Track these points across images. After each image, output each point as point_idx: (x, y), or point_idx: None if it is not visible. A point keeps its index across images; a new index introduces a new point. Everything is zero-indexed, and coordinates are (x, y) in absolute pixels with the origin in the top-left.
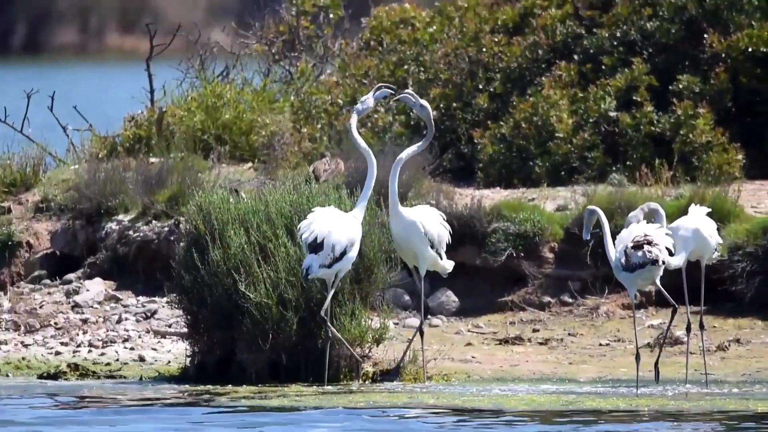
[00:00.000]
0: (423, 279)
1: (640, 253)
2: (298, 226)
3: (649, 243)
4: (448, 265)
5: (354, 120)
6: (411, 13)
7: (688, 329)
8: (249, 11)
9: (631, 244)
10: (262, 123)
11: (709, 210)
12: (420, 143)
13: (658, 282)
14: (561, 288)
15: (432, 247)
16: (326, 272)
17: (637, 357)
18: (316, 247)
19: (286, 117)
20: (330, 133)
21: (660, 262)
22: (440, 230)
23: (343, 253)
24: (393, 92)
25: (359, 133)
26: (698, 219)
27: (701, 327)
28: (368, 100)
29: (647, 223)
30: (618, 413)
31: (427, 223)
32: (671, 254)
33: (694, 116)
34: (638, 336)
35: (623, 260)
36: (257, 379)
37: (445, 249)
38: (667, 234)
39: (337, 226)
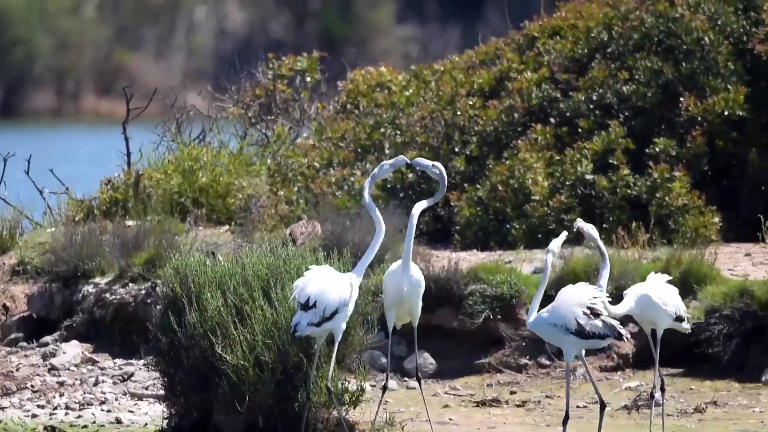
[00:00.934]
0: (416, 331)
1: (600, 323)
2: (293, 284)
3: (601, 312)
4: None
5: (368, 185)
6: (387, 76)
7: (662, 389)
8: (225, 75)
9: (585, 310)
10: (239, 186)
11: (669, 278)
12: (432, 198)
13: (583, 354)
14: (538, 350)
15: None
16: (314, 330)
17: (565, 420)
18: (307, 306)
19: (263, 180)
20: (306, 196)
21: (618, 336)
22: None
23: (334, 313)
24: (408, 163)
25: (361, 195)
26: (653, 286)
27: (654, 396)
28: (385, 167)
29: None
30: None
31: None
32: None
33: (671, 179)
34: (615, 398)
35: (575, 323)
36: None
37: None
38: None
39: (330, 286)
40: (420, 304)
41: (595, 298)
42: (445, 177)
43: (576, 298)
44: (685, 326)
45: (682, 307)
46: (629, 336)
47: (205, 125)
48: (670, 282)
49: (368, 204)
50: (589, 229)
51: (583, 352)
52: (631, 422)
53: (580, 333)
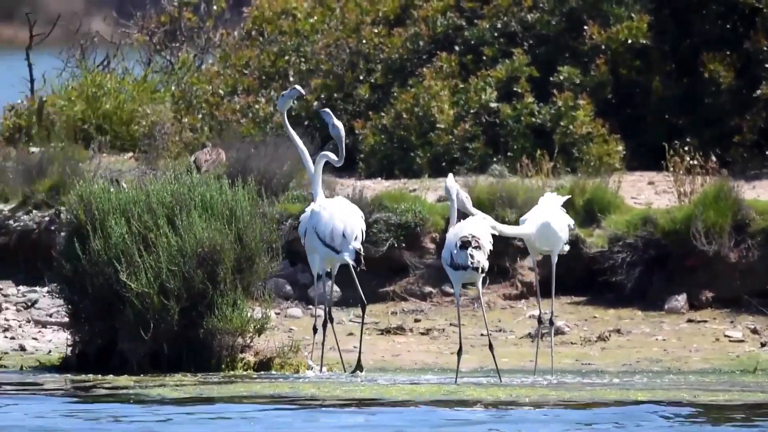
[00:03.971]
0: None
1: (464, 255)
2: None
3: (475, 243)
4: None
5: (283, 118)
6: (292, 3)
7: (551, 322)
8: (130, 0)
9: (459, 242)
10: (143, 113)
11: (565, 198)
12: (336, 160)
13: (479, 285)
14: (442, 278)
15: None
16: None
17: (459, 351)
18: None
19: (167, 107)
20: (211, 124)
21: (480, 270)
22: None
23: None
24: (302, 93)
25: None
26: (548, 212)
27: (551, 323)
28: (284, 97)
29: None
30: (498, 403)
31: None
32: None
33: (575, 107)
34: (518, 326)
35: (450, 255)
36: (139, 368)
37: None
38: (492, 227)
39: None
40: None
41: (473, 235)
42: (343, 138)
43: (456, 233)
44: (566, 248)
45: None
46: (485, 267)
47: (109, 52)
48: (564, 205)
49: (289, 133)
50: (453, 189)
51: (480, 284)
52: (534, 350)
53: (452, 264)
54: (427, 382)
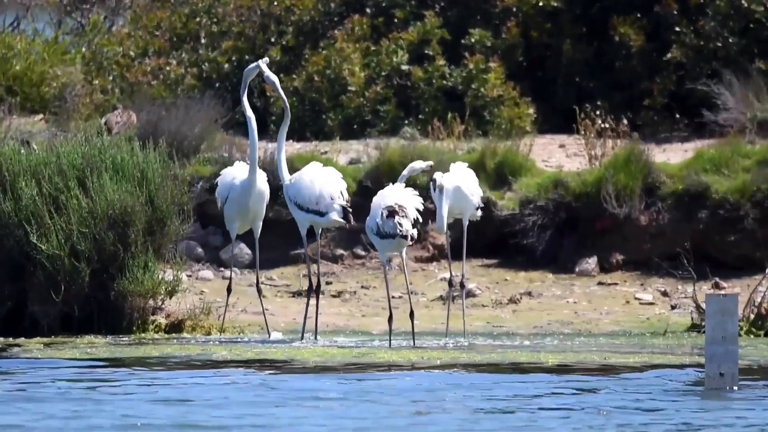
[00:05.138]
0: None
1: (391, 223)
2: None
3: (401, 212)
4: None
5: (243, 94)
6: None
7: (462, 285)
8: None
9: (385, 211)
10: (53, 74)
11: (467, 166)
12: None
13: (403, 253)
14: (354, 241)
15: None
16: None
17: (390, 318)
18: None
19: (78, 69)
20: (122, 86)
21: (408, 239)
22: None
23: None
24: (262, 70)
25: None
26: (460, 176)
27: (462, 286)
28: (249, 69)
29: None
30: (410, 366)
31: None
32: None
33: (486, 70)
34: (430, 288)
35: (377, 224)
36: (49, 330)
37: None
38: (416, 196)
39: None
40: (263, 212)
41: (398, 204)
42: (281, 90)
43: (380, 202)
44: (479, 214)
45: (480, 194)
46: (414, 236)
47: (19, 13)
48: (475, 168)
49: (247, 114)
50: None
51: (404, 252)
52: (446, 312)
53: (379, 233)
54: (338, 345)
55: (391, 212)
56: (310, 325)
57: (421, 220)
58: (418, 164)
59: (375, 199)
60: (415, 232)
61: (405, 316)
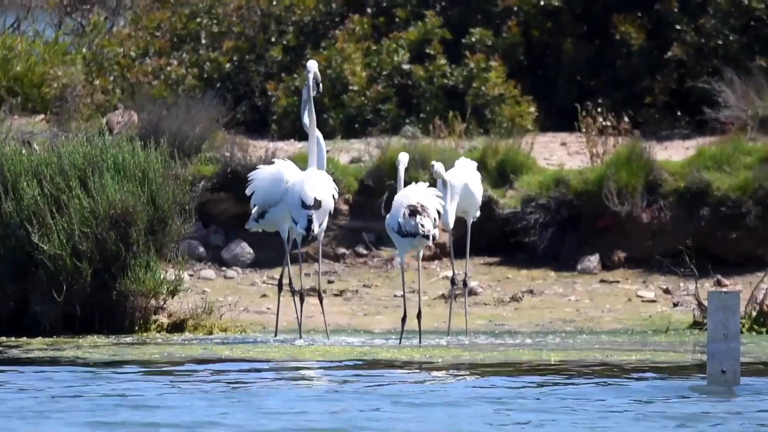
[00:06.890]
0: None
1: (413, 222)
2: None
3: (423, 212)
4: None
5: (309, 101)
6: None
7: (464, 283)
8: None
9: (407, 210)
10: (54, 75)
11: (476, 164)
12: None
13: (420, 252)
14: (355, 240)
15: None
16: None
17: (404, 319)
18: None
19: (79, 69)
20: (123, 86)
21: (430, 238)
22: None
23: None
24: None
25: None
26: (467, 174)
27: (464, 284)
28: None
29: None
30: (413, 364)
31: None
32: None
33: (487, 69)
34: (432, 287)
35: (398, 223)
36: (51, 330)
37: None
38: (438, 196)
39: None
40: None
41: (420, 203)
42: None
43: (402, 201)
44: (477, 214)
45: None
46: (436, 236)
47: (19, 14)
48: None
49: (305, 124)
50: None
51: (420, 252)
52: (448, 311)
53: (400, 231)
54: (340, 344)
55: (413, 211)
56: (312, 325)
57: (438, 220)
58: (402, 156)
59: (397, 197)
60: (436, 231)
61: (407, 314)
